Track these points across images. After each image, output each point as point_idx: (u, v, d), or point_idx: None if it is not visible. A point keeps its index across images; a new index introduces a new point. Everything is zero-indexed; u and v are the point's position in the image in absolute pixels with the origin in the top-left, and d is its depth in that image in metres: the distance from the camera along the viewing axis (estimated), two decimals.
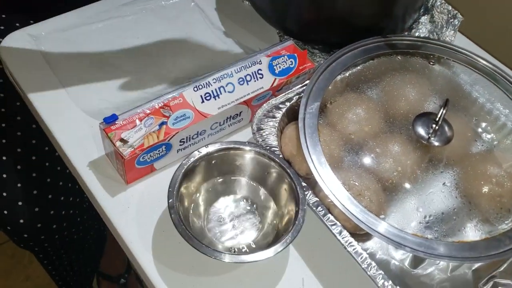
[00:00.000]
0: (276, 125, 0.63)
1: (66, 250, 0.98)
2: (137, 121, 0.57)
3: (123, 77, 0.71)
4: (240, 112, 0.65)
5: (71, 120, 0.66)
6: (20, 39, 0.74)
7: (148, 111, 0.58)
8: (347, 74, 0.67)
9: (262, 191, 0.60)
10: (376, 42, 0.69)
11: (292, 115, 0.66)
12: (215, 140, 0.65)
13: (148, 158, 0.58)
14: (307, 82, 0.65)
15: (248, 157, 0.59)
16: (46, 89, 0.70)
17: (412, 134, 0.60)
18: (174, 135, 0.58)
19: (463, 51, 0.69)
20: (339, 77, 0.66)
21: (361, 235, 0.56)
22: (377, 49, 0.68)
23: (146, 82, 0.71)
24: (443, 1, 0.80)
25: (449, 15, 0.78)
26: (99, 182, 0.60)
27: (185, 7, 0.83)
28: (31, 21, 0.83)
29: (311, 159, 0.57)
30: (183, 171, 0.54)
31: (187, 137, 0.60)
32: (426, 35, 0.79)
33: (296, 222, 0.52)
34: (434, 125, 0.58)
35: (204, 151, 0.56)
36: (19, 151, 0.84)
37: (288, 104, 0.65)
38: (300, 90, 0.66)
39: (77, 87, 0.70)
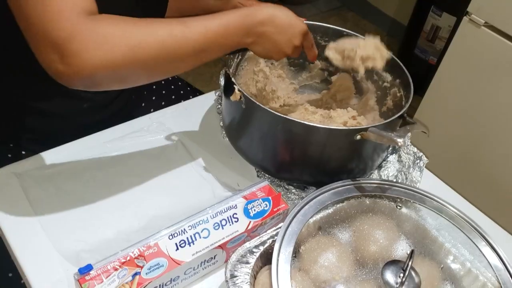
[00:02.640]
0: (250, 271, 0.64)
1: None
2: (112, 271, 0.58)
3: (101, 217, 0.73)
4: (215, 255, 0.67)
5: (46, 262, 0.67)
6: (4, 176, 0.77)
7: (123, 260, 0.59)
8: (319, 217, 0.69)
9: None
10: (345, 185, 0.72)
11: (266, 258, 0.67)
12: (188, 285, 0.66)
13: None
14: (281, 224, 0.68)
15: None
16: (25, 227, 0.71)
17: (381, 283, 0.61)
18: (147, 285, 0.59)
19: (428, 194, 0.72)
20: (311, 220, 0.68)
21: None
22: (347, 192, 0.72)
23: (124, 221, 0.73)
24: (409, 142, 0.85)
25: (415, 157, 0.84)
26: None
27: (168, 143, 0.88)
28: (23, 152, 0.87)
29: None
30: None
31: (160, 285, 0.61)
32: (395, 174, 0.83)
33: None
34: (401, 275, 0.60)
35: None
36: None
37: (262, 248, 0.66)
38: (274, 233, 0.68)
39: (55, 227, 0.71)
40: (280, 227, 0.67)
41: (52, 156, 0.81)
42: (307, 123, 0.71)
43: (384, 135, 0.68)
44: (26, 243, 0.69)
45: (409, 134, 0.82)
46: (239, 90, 0.73)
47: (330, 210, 0.71)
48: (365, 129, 0.70)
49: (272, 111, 0.71)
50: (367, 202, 0.72)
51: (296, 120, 0.71)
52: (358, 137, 0.71)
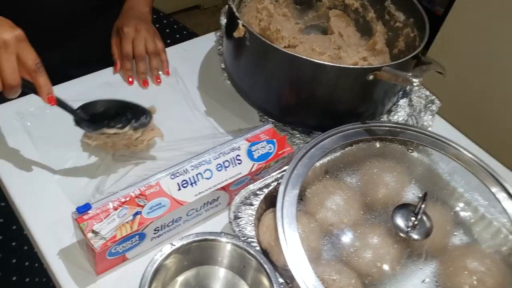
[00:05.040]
0: (254, 213, 0.61)
1: None
2: (111, 210, 0.55)
3: (103, 156, 0.70)
4: (218, 197, 0.64)
5: (44, 202, 0.64)
6: (7, 115, 0.73)
7: (123, 199, 0.57)
8: (326, 161, 0.66)
9: (240, 283, 0.58)
10: (355, 128, 0.69)
11: (270, 201, 0.65)
12: (191, 227, 0.64)
13: (120, 249, 0.56)
14: (285, 167, 0.65)
15: (224, 248, 0.57)
16: (27, 167, 0.68)
17: (391, 226, 0.59)
18: (148, 225, 0.56)
19: (441, 138, 0.69)
20: (318, 164, 0.65)
21: None
22: (356, 135, 0.69)
23: (125, 165, 0.70)
24: (421, 86, 0.81)
25: (427, 100, 0.80)
26: (68, 273, 0.57)
27: (167, 85, 0.84)
28: None
29: (289, 252, 0.55)
30: (154, 267, 0.52)
31: (161, 226, 0.58)
32: (405, 118, 0.80)
33: None
34: (413, 218, 0.58)
35: (177, 243, 0.54)
36: None
37: (266, 190, 0.64)
38: (279, 176, 0.66)
39: (56, 165, 0.68)
40: (285, 170, 0.64)
41: (58, 95, 0.77)
42: (316, 61, 0.66)
43: (399, 74, 0.64)
44: (27, 182, 0.66)
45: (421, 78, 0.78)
46: (243, 25, 0.68)
47: (337, 154, 0.67)
48: (379, 69, 0.66)
49: (279, 47, 0.67)
50: (377, 145, 0.69)
51: (305, 58, 0.67)
52: (371, 77, 0.67)
